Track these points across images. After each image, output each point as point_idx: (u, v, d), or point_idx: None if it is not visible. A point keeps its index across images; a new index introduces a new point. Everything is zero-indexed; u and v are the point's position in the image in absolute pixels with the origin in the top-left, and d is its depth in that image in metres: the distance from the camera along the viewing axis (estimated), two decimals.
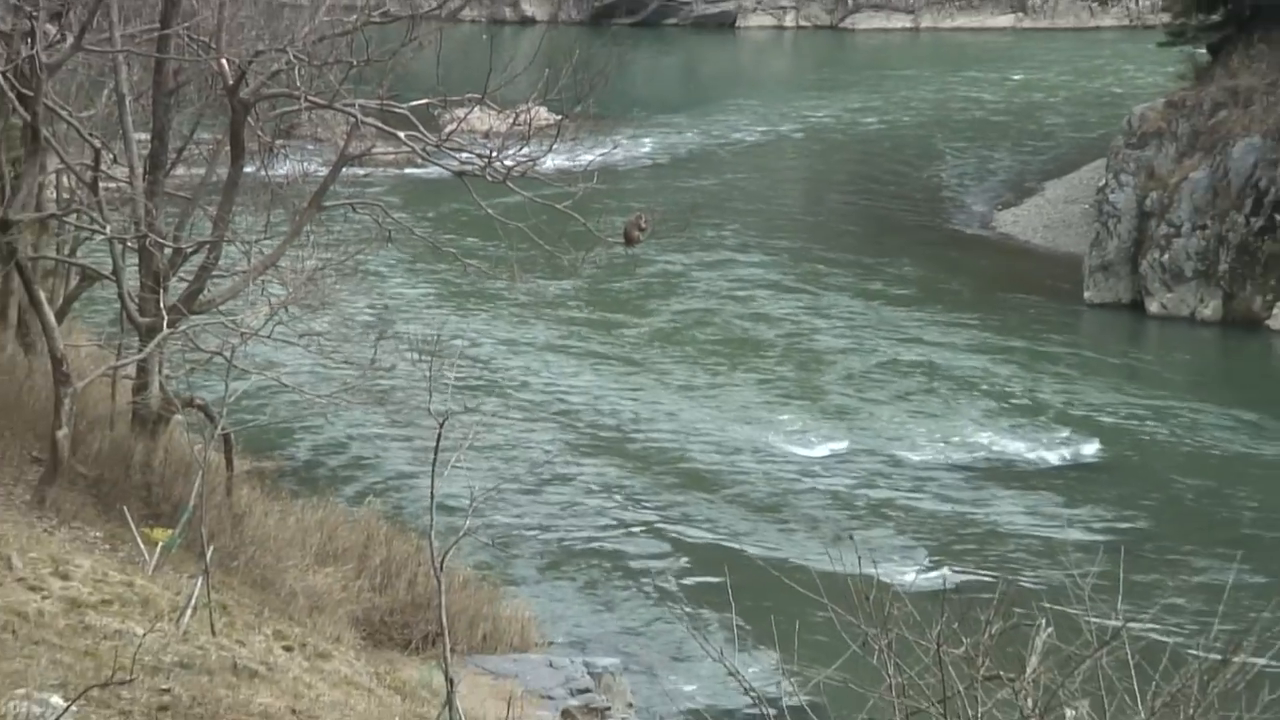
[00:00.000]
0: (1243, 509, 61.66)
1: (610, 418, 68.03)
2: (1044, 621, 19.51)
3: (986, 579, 52.13)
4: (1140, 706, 17.10)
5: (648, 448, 64.83)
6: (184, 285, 42.98)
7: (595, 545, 56.10)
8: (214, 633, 29.89)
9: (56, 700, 21.10)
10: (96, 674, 24.22)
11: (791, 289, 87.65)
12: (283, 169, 48.65)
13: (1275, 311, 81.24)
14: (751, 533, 56.89)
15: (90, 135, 44.77)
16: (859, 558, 44.38)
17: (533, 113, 46.63)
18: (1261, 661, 18.96)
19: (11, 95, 41.78)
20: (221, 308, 43.25)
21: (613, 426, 66.97)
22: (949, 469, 64.41)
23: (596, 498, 59.75)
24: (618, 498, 59.66)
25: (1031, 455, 65.76)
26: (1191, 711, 16.92)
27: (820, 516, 58.68)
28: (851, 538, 56.68)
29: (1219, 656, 17.92)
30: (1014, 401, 71.69)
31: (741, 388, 73.41)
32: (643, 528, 57.57)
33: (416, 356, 50.98)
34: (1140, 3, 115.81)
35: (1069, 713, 17.87)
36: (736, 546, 55.39)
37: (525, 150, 44.42)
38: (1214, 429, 69.45)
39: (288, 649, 32.19)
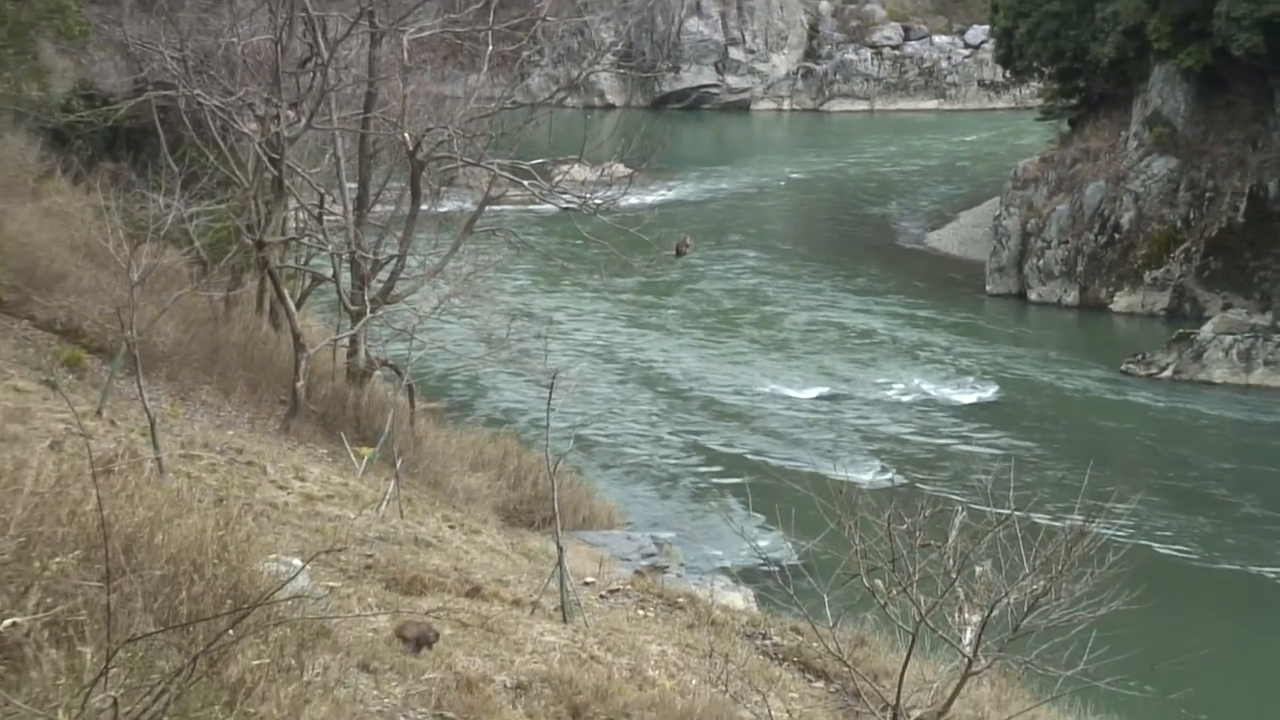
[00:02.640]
0: (1090, 429, 63.67)
1: (661, 370, 70.44)
2: (960, 508, 19.67)
3: (920, 479, 52.35)
4: (1025, 564, 16.99)
5: (688, 391, 67.37)
6: (380, 284, 43.15)
7: (656, 458, 58.34)
8: (401, 516, 30.48)
9: (296, 562, 21.12)
10: (323, 544, 24.37)
11: (785, 283, 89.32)
12: (445, 206, 49.28)
13: (1114, 299, 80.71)
14: (762, 449, 59.27)
15: (316, 185, 45.24)
16: (834, 465, 44.12)
17: (613, 167, 50.49)
18: (1109, 533, 18.92)
19: (265, 158, 42.47)
20: (405, 299, 43.64)
21: (664, 376, 69.15)
22: (894, 405, 66.47)
23: (655, 426, 62.19)
24: (669, 425, 62.07)
25: (950, 395, 67.68)
26: (1060, 568, 16.85)
27: (808, 438, 60.58)
28: (830, 452, 56.99)
29: (1078, 529, 17.79)
30: (938, 359, 73.74)
31: (751, 350, 75.39)
32: (687, 445, 59.69)
33: (536, 332, 52.38)
34: (1023, 90, 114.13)
35: (977, 569, 17.95)
36: (751, 458, 57.57)
37: (608, 192, 45.80)
38: (1072, 376, 71.44)
39: (451, 527, 32.76)
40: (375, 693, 20.29)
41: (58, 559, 15.23)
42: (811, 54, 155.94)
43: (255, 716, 15.52)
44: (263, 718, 15.60)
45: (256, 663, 16.75)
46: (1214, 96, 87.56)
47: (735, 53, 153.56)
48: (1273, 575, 52.24)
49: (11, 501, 17.01)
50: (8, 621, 13.08)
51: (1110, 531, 21.33)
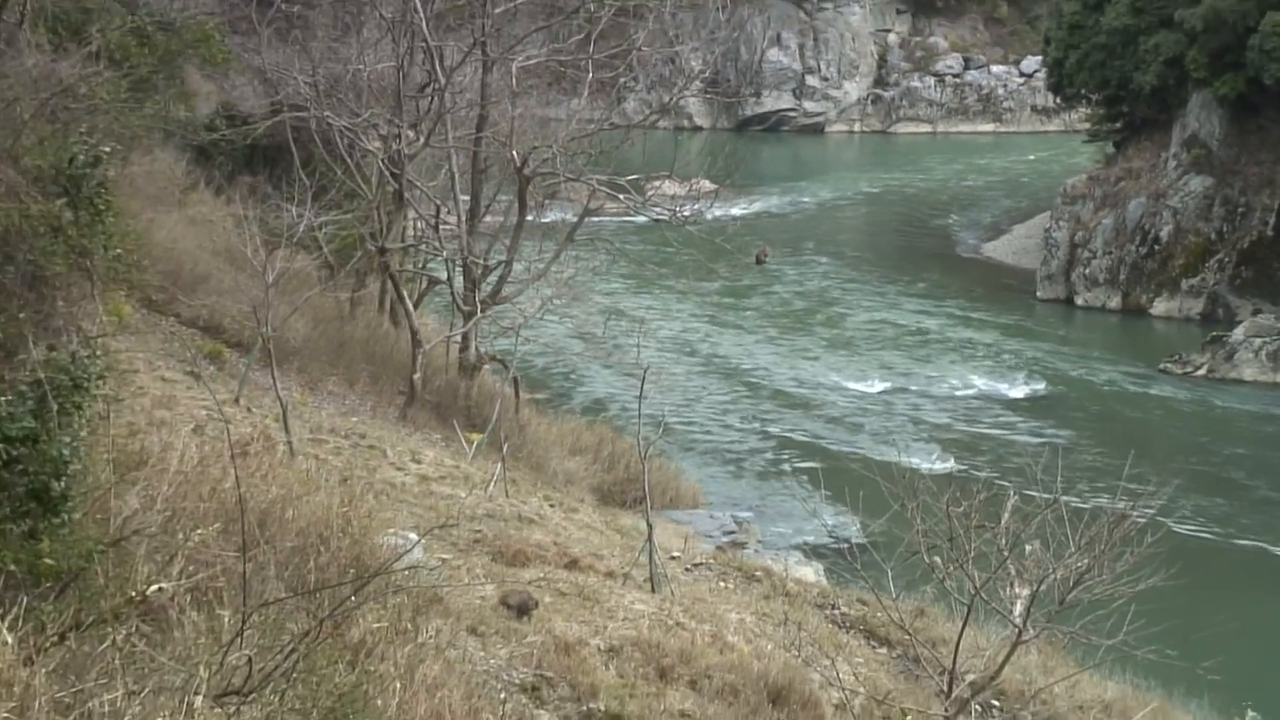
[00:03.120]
0: (1130, 422, 63.33)
1: (740, 365, 71.02)
2: (1011, 492, 19.54)
3: (975, 466, 52.04)
4: (1071, 544, 16.89)
5: (764, 383, 67.68)
6: (489, 287, 43.21)
7: (735, 444, 57.87)
8: (507, 495, 30.65)
9: (412, 536, 21.27)
10: (436, 520, 24.48)
11: (853, 287, 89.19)
12: (548, 217, 49.11)
13: (1154, 304, 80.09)
14: (830, 436, 59.10)
15: (433, 197, 45.36)
16: (897, 452, 44.04)
17: (700, 183, 50.49)
18: (1147, 515, 18.83)
19: (387, 173, 42.56)
20: (512, 301, 43.61)
21: (741, 370, 69.52)
22: (950, 399, 66.18)
23: (734, 415, 62.60)
24: (747, 414, 62.67)
25: (1002, 390, 67.30)
26: (1102, 547, 16.74)
27: (873, 427, 60.58)
28: (892, 440, 56.56)
29: (1119, 513, 17.69)
30: (992, 357, 73.47)
31: (820, 347, 75.48)
32: (762, 433, 60.03)
33: (628, 330, 52.36)
34: (1072, 115, 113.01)
35: (1027, 548, 17.84)
36: (821, 445, 57.44)
37: (695, 206, 45.62)
38: (1114, 374, 70.82)
39: (551, 506, 32.76)
40: (482, 654, 20.35)
41: (199, 531, 15.35)
42: (880, 81, 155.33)
43: (374, 674, 15.62)
44: (381, 676, 15.70)
45: (376, 626, 16.87)
46: (1247, 121, 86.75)
47: (811, 80, 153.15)
48: None
49: (159, 479, 17.15)
50: (154, 587, 13.18)
51: (1148, 515, 21.20)
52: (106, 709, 10.24)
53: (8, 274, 14.14)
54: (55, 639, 11.38)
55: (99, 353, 14.47)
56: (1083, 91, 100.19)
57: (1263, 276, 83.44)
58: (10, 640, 9.92)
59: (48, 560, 13.10)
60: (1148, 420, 67.40)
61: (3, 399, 12.33)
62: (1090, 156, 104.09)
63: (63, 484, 12.72)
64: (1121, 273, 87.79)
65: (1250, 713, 18.34)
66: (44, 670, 10.01)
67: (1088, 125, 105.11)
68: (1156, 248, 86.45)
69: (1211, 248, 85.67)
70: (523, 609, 22.13)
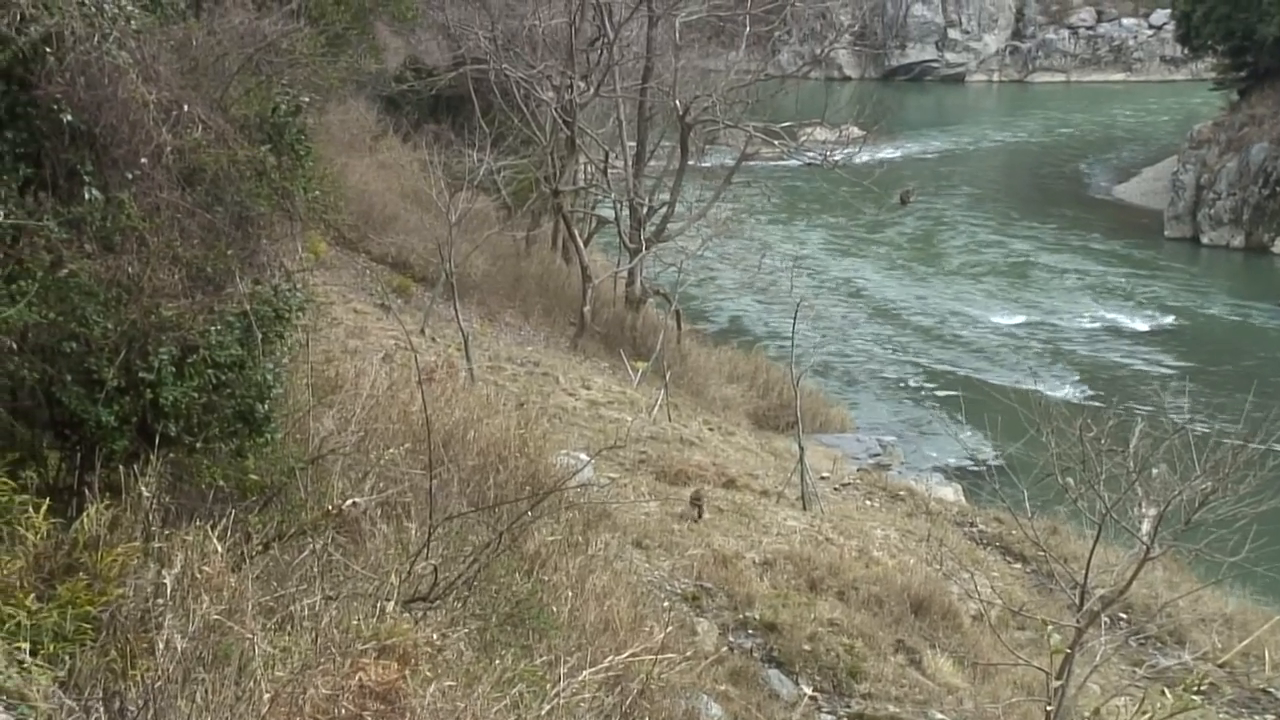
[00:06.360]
0: (1252, 356, 61.97)
1: (885, 298, 69.18)
2: (1140, 418, 19.21)
3: (1106, 393, 51.40)
4: (1196, 467, 16.64)
5: (907, 315, 66.51)
6: (654, 226, 43.22)
7: (881, 372, 57.16)
8: (669, 419, 30.82)
9: (583, 456, 21.30)
10: (605, 441, 24.55)
11: (992, 225, 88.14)
12: (708, 162, 48.92)
13: (1276, 243, 78.83)
14: (970, 365, 58.87)
15: (601, 143, 45.28)
16: (1032, 380, 43.15)
17: (849, 129, 49.22)
18: (1272, 440, 18.53)
19: (560, 121, 42.51)
20: (675, 239, 43.45)
21: (887, 303, 67.86)
22: (1082, 331, 65.69)
23: (880, 344, 61.69)
24: (892, 345, 61.51)
25: (1132, 323, 66.50)
26: (1226, 470, 16.45)
27: (1011, 357, 58.82)
28: (1028, 369, 55.86)
29: (1243, 438, 17.40)
30: (1121, 292, 72.54)
31: (963, 282, 74.57)
32: (907, 362, 58.98)
33: (782, 267, 51.87)
34: (1199, 65, 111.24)
35: (1154, 470, 17.51)
36: (962, 373, 57.44)
37: (846, 150, 45.02)
38: (1237, 309, 70.01)
39: (710, 429, 32.92)
40: (646, 565, 20.44)
41: (389, 450, 15.49)
42: (1018, 34, 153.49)
43: (548, 584, 15.71)
44: (554, 585, 15.79)
45: (550, 539, 16.98)
46: None
47: (953, 33, 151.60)
48: None
49: (352, 403, 17.33)
50: (349, 501, 13.33)
51: (1269, 442, 20.90)
52: (306, 611, 10.40)
53: (217, 214, 14.27)
54: (260, 548, 11.55)
55: (299, 286, 14.59)
56: (1209, 42, 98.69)
57: None
58: (220, 549, 10.08)
59: (253, 476, 13.32)
60: (1269, 353, 66.00)
61: (213, 328, 12.52)
62: (1216, 104, 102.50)
63: (266, 406, 12.89)
64: (1245, 213, 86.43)
65: None
66: (250, 576, 10.16)
67: (1214, 74, 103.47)
68: (1279, 189, 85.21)
69: None
70: (699, 506, 23.76)
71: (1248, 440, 18.65)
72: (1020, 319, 70.39)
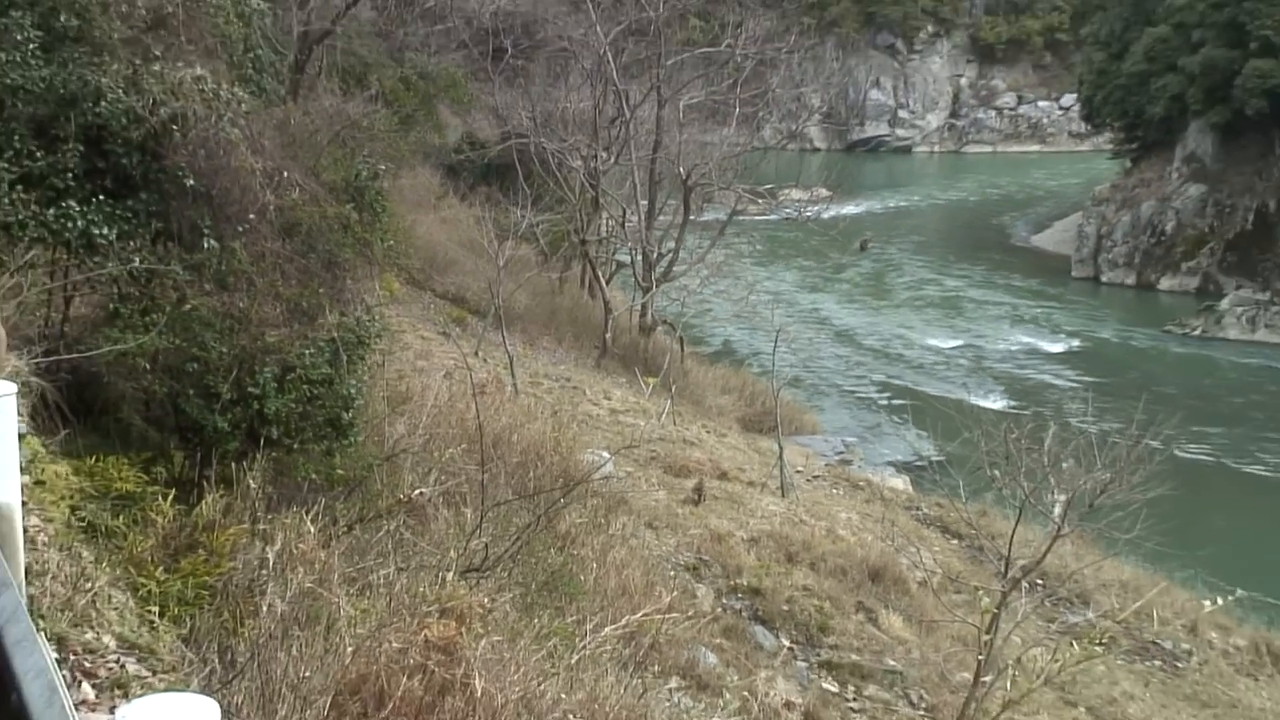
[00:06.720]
0: (1142, 370, 61.97)
1: (848, 326, 68.93)
2: (1052, 423, 19.05)
3: (1025, 402, 51.20)
4: (1098, 462, 16.59)
5: (865, 340, 67.36)
6: (662, 269, 43.10)
7: (843, 385, 56.71)
8: (674, 424, 30.41)
9: (605, 453, 21.18)
10: (623, 442, 24.44)
11: (934, 267, 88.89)
12: (706, 216, 48.78)
13: (1160, 281, 78.86)
14: (916, 381, 57.71)
15: (620, 202, 45.38)
16: (966, 392, 42.52)
17: (819, 190, 48.77)
18: (1159, 439, 18.38)
19: (587, 183, 42.26)
20: (678, 279, 43.26)
21: (849, 329, 68.46)
22: (1006, 352, 65.07)
23: (843, 363, 60.64)
24: (852, 363, 60.98)
25: (1045, 346, 66.70)
26: (1122, 465, 16.44)
27: (947, 373, 58.90)
28: (962, 383, 55.65)
29: (1135, 439, 17.32)
30: (1037, 320, 71.83)
31: (908, 312, 74.83)
32: (863, 377, 58.71)
33: (767, 300, 51.59)
34: (1100, 138, 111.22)
35: (1064, 464, 17.44)
36: (910, 387, 56.35)
37: (815, 207, 45.03)
38: (1130, 334, 69.08)
39: (707, 432, 32.71)
40: (656, 542, 20.36)
41: (450, 450, 15.48)
42: (954, 113, 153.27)
43: (577, 557, 15.66)
44: (581, 558, 15.74)
45: (579, 521, 16.93)
46: (1232, 142, 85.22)
47: (902, 113, 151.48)
48: (1267, 474, 50.96)
49: (419, 411, 17.29)
50: (417, 491, 13.31)
51: (1157, 441, 20.81)
52: (381, 580, 10.39)
53: (311, 259, 14.25)
54: (345, 529, 11.52)
55: (376, 318, 14.60)
56: (1108, 120, 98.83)
57: (1244, 260, 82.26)
58: (313, 530, 10.06)
59: (339, 471, 13.32)
60: (1156, 369, 65.95)
61: (307, 352, 12.51)
62: (1113, 170, 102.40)
63: (350, 415, 12.87)
64: (1136, 257, 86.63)
65: (1239, 591, 18.12)
66: (337, 552, 10.15)
67: (1112, 146, 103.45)
68: (1163, 238, 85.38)
69: (1205, 239, 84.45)
70: (701, 494, 23.67)
71: (1139, 439, 18.59)
72: (954, 342, 70.11)
